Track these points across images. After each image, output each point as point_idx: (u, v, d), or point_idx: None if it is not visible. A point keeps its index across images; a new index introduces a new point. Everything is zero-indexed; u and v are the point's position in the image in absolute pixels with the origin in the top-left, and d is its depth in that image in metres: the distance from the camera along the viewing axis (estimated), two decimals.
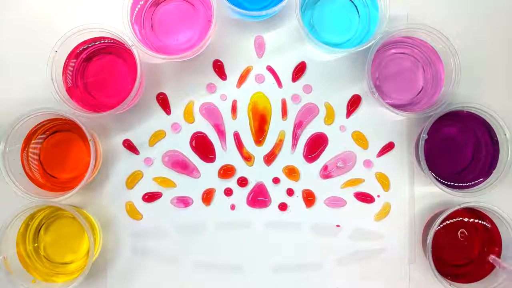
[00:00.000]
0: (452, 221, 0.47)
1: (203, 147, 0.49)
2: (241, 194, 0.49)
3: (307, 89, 0.49)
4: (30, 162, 0.46)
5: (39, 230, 0.47)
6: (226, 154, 0.49)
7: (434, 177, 0.44)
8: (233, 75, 0.49)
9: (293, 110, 0.49)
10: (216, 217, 0.49)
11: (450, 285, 0.43)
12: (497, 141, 0.46)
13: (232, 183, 0.49)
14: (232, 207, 0.49)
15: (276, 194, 0.49)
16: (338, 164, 0.49)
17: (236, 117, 0.49)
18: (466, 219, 0.47)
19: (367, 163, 0.49)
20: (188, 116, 0.49)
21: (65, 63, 0.46)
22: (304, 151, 0.49)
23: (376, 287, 0.49)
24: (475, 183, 0.46)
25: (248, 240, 0.49)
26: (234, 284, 0.48)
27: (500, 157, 0.45)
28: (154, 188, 0.49)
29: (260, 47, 0.49)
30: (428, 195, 0.49)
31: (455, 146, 0.47)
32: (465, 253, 0.47)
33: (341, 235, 0.49)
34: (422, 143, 0.44)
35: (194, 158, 0.49)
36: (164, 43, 0.47)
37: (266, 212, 0.49)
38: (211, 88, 0.49)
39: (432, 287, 0.47)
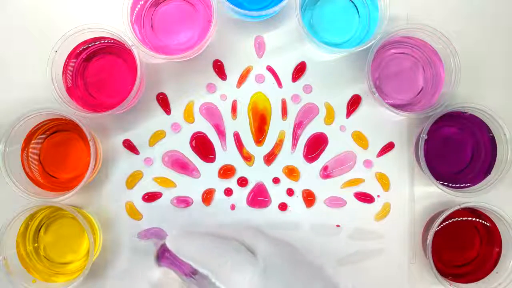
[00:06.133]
0: (452, 221, 0.47)
1: (203, 147, 0.49)
2: (241, 194, 0.49)
3: (307, 89, 0.49)
4: (30, 162, 0.46)
5: (39, 230, 0.47)
6: (226, 154, 0.49)
7: (434, 177, 0.44)
8: (233, 75, 0.49)
9: (293, 110, 0.49)
10: (216, 217, 0.49)
11: (450, 285, 0.43)
12: (493, 137, 0.46)
13: (232, 183, 0.49)
14: (232, 207, 0.49)
15: (276, 194, 0.49)
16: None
17: (236, 117, 0.49)
18: (466, 219, 0.47)
19: (367, 163, 0.49)
20: (188, 116, 0.49)
21: (65, 63, 0.46)
22: (304, 151, 0.49)
23: (376, 287, 0.49)
24: (475, 183, 0.46)
25: None
26: None
27: (499, 157, 0.45)
28: (154, 188, 0.49)
29: (260, 47, 0.49)
30: (428, 195, 0.49)
31: (455, 146, 0.47)
32: (465, 253, 0.47)
33: (341, 235, 0.49)
34: (422, 143, 0.44)
35: (194, 158, 0.49)
36: (164, 43, 0.47)
37: (266, 212, 0.49)
38: (211, 88, 0.49)
39: (432, 287, 0.48)
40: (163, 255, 0.37)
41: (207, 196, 0.49)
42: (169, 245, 0.36)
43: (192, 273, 0.36)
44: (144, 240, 0.42)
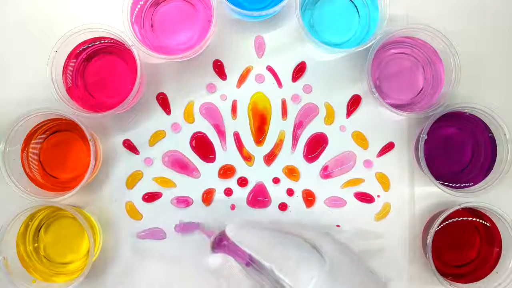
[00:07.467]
0: (452, 221, 0.47)
1: (203, 147, 0.49)
2: (241, 194, 0.49)
3: (307, 89, 0.49)
4: (30, 162, 0.46)
5: (39, 230, 0.47)
6: (226, 154, 0.49)
7: (434, 177, 0.44)
8: (233, 75, 0.49)
9: (293, 110, 0.49)
10: (216, 217, 0.49)
11: (450, 285, 0.43)
12: (493, 137, 0.46)
13: (232, 183, 0.49)
14: (232, 207, 0.49)
15: (276, 194, 0.49)
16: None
17: (236, 117, 0.49)
18: (466, 219, 0.47)
19: (367, 163, 0.49)
20: (188, 116, 0.49)
21: (65, 63, 0.46)
22: (304, 151, 0.49)
23: None
24: (475, 183, 0.46)
25: None
26: None
27: (499, 157, 0.45)
28: (154, 188, 0.49)
29: (260, 47, 0.49)
30: (428, 195, 0.49)
31: (454, 146, 0.47)
32: (465, 253, 0.47)
33: (341, 235, 0.49)
34: (422, 143, 0.44)
35: (194, 158, 0.49)
36: (164, 43, 0.47)
37: (266, 212, 0.49)
38: (211, 88, 0.49)
39: (432, 287, 0.47)
40: (220, 243, 0.37)
41: (207, 196, 0.49)
42: (229, 233, 0.36)
43: (250, 262, 0.36)
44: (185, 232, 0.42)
